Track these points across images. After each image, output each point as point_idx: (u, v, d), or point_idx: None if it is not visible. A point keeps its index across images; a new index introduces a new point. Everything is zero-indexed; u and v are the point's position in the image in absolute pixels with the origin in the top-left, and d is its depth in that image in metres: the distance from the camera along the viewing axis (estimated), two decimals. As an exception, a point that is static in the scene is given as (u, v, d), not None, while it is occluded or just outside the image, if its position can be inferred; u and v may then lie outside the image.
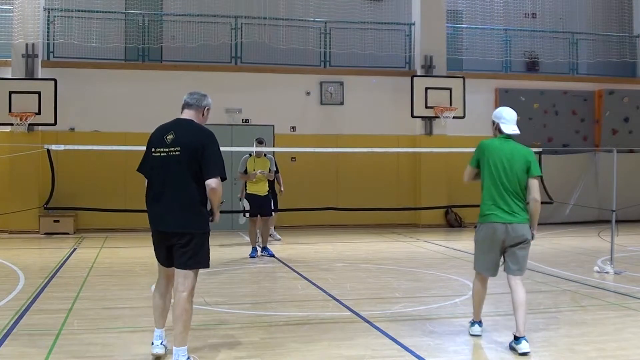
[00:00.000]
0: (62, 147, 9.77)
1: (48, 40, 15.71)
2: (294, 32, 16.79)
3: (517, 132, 5.78)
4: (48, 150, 9.61)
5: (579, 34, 18.55)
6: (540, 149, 11.40)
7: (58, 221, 14.82)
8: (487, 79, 17.59)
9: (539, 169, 5.71)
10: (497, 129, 5.84)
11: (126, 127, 15.36)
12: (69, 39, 15.50)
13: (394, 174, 17.01)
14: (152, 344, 5.22)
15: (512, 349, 5.46)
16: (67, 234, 14.72)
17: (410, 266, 10.28)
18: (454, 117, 16.14)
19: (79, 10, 15.72)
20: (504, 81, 17.91)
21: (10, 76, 14.91)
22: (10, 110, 14.25)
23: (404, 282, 8.83)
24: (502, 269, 5.74)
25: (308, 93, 16.79)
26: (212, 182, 4.88)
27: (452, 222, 16.87)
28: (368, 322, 6.43)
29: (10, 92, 14.33)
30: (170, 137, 4.98)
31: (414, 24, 17.23)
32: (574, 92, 18.19)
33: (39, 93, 14.46)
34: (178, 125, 5.07)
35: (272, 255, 11.19)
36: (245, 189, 11.37)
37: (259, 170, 11.07)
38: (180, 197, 4.92)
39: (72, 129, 15.50)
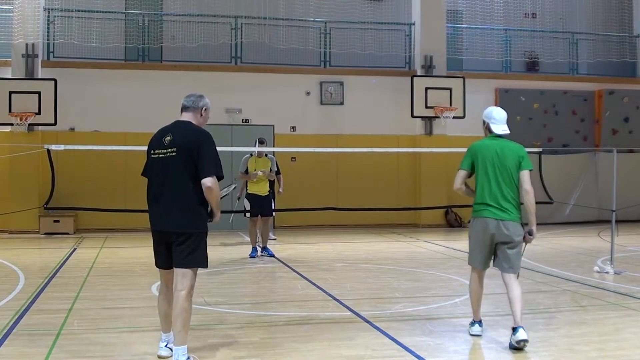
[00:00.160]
0: (62, 147, 9.78)
1: (48, 40, 15.71)
2: (294, 32, 16.79)
3: (507, 131, 5.84)
4: (48, 150, 9.61)
5: (579, 34, 18.55)
6: (540, 149, 11.42)
7: (58, 221, 14.83)
8: (487, 79, 17.59)
9: (530, 164, 5.79)
10: (487, 128, 5.92)
11: (126, 127, 15.37)
12: (69, 39, 15.50)
13: (394, 174, 17.01)
14: (159, 346, 5.28)
15: (513, 347, 5.47)
16: (67, 234, 14.72)
17: (410, 266, 10.28)
18: (454, 117, 16.14)
19: (79, 10, 15.72)
20: (504, 81, 17.91)
21: (10, 76, 14.91)
22: (10, 110, 14.25)
23: (404, 282, 8.83)
24: (492, 264, 5.80)
25: (308, 93, 16.79)
26: (207, 181, 4.90)
27: (452, 222, 16.87)
28: (368, 322, 6.43)
29: (10, 92, 14.33)
30: (168, 138, 5.05)
31: (414, 24, 17.23)
32: (574, 92, 18.19)
33: (39, 93, 14.46)
34: (176, 127, 5.14)
35: (272, 255, 11.19)
36: (246, 189, 11.36)
37: (260, 170, 11.06)
38: (179, 197, 4.96)
39: (72, 129, 15.50)
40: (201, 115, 5.21)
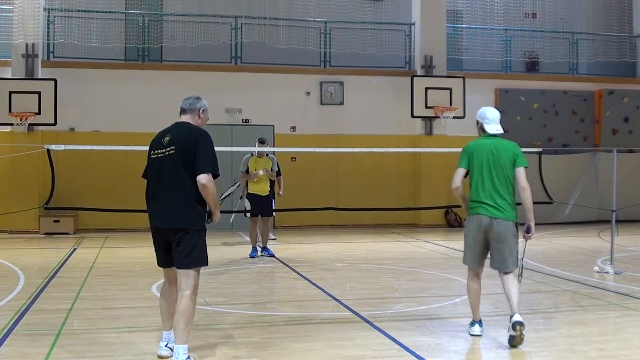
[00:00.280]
0: (62, 147, 9.78)
1: (48, 40, 15.71)
2: (294, 32, 16.79)
3: (501, 131, 5.91)
4: (48, 150, 9.62)
5: (579, 34, 18.55)
6: (540, 149, 11.43)
7: (58, 221, 14.82)
8: (487, 79, 17.59)
9: (526, 161, 5.83)
10: (481, 128, 5.99)
11: (126, 127, 15.37)
12: (69, 39, 15.50)
13: (394, 174, 17.01)
14: (159, 346, 5.30)
15: (511, 340, 5.49)
16: (67, 234, 14.72)
17: (410, 266, 10.28)
18: (454, 117, 16.14)
19: (79, 10, 15.72)
20: (504, 81, 17.92)
21: (10, 76, 14.91)
22: (10, 110, 14.24)
23: (404, 282, 8.83)
24: (489, 265, 5.84)
25: (308, 93, 16.79)
26: (201, 178, 4.92)
27: (452, 222, 16.87)
28: (368, 322, 6.43)
29: (10, 92, 14.32)
30: (167, 138, 5.13)
31: (414, 24, 17.23)
32: (574, 92, 18.19)
33: (39, 93, 14.45)
34: (175, 127, 5.22)
35: (272, 255, 11.19)
36: (247, 189, 11.36)
37: (260, 170, 11.05)
38: (176, 195, 5.01)
39: (72, 129, 15.50)
40: (199, 116, 5.27)
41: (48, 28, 15.65)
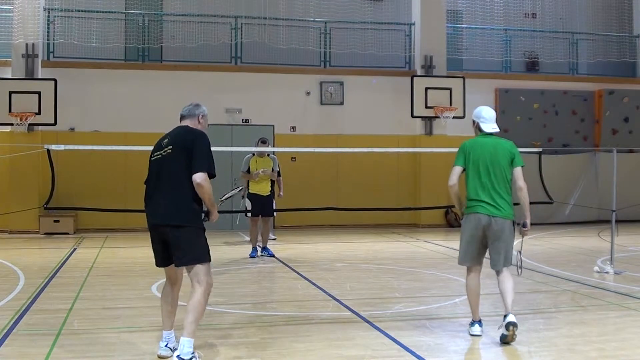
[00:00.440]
0: (62, 147, 9.78)
1: (48, 40, 15.71)
2: (294, 32, 16.79)
3: (497, 130, 5.98)
4: (48, 150, 9.61)
5: (579, 34, 18.55)
6: (540, 149, 11.42)
7: (58, 221, 14.82)
8: (487, 79, 17.58)
9: (522, 160, 5.90)
10: (477, 127, 6.04)
11: (126, 127, 15.37)
12: (69, 39, 15.50)
13: (394, 174, 17.01)
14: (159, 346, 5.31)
15: (503, 338, 5.56)
16: (67, 234, 14.72)
17: (410, 266, 10.29)
18: (454, 117, 16.13)
19: (79, 10, 15.72)
20: (504, 81, 17.91)
21: (10, 76, 14.91)
22: (10, 110, 14.24)
23: (404, 282, 8.83)
24: (489, 264, 5.88)
25: (308, 93, 16.79)
26: (197, 177, 4.96)
27: (452, 222, 16.86)
28: (368, 322, 6.43)
29: (10, 92, 14.32)
30: (166, 140, 5.24)
31: (414, 24, 17.23)
32: (574, 92, 18.19)
33: (39, 93, 14.45)
34: (174, 130, 5.33)
35: (272, 255, 11.19)
36: (248, 189, 11.36)
37: (261, 169, 11.05)
38: (173, 193, 5.06)
39: (72, 129, 15.50)
40: (199, 122, 5.36)
41: (48, 28, 15.65)
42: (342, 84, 16.89)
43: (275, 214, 12.25)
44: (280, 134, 16.41)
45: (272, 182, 11.45)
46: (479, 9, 17.96)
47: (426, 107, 16.19)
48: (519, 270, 5.94)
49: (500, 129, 6.14)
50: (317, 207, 14.43)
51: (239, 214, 13.67)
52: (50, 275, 9.15)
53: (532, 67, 18.53)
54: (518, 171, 5.83)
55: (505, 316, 5.61)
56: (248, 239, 13.43)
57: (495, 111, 6.13)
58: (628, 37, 18.82)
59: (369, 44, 16.98)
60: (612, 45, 18.59)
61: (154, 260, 5.32)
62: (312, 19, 16.89)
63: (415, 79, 16.34)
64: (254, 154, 11.23)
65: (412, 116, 16.28)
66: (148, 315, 6.62)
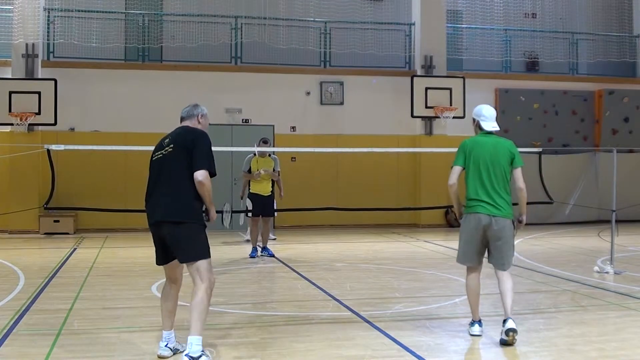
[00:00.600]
0: (62, 147, 9.78)
1: (48, 40, 15.71)
2: (294, 32, 16.79)
3: (497, 128, 5.99)
4: (48, 150, 9.61)
5: (579, 34, 18.55)
6: (540, 149, 11.42)
7: (58, 221, 14.82)
8: (487, 79, 17.58)
9: (522, 160, 5.92)
10: (477, 126, 6.05)
11: (126, 127, 15.37)
12: (69, 39, 15.49)
13: (394, 174, 17.01)
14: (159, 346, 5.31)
15: (503, 341, 5.57)
16: (67, 234, 14.72)
17: (410, 266, 10.29)
18: (454, 117, 16.13)
19: (79, 10, 15.72)
20: (504, 81, 17.91)
21: (10, 76, 14.91)
22: (10, 110, 14.24)
23: (404, 282, 8.83)
24: (488, 262, 5.91)
25: (308, 93, 16.79)
26: (198, 175, 4.99)
27: (452, 222, 16.86)
28: (368, 322, 6.43)
29: (10, 92, 14.32)
30: (167, 140, 5.27)
31: (414, 24, 17.23)
32: (574, 92, 18.19)
33: (39, 93, 14.45)
34: (175, 130, 5.36)
35: (272, 255, 11.19)
36: (249, 188, 11.36)
37: (262, 169, 11.05)
38: (174, 190, 5.08)
39: (72, 129, 15.50)
40: (199, 122, 5.39)
41: (48, 28, 15.64)
42: (342, 84, 16.89)
43: (276, 214, 12.25)
44: (280, 134, 16.41)
45: (273, 182, 11.45)
46: (479, 9, 17.96)
47: (426, 107, 16.19)
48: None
49: (500, 129, 6.15)
50: (317, 207, 14.42)
51: (241, 213, 13.68)
52: (50, 275, 9.15)
53: (532, 67, 18.53)
54: (518, 172, 5.86)
55: (504, 321, 5.62)
56: (246, 238, 13.47)
57: (495, 111, 6.15)
58: (628, 37, 18.83)
59: (369, 44, 16.98)
60: (612, 45, 18.59)
61: (154, 260, 5.33)
62: (312, 19, 16.89)
63: (415, 79, 16.34)
64: (255, 154, 11.23)
65: (412, 116, 16.29)
66: (148, 315, 6.62)
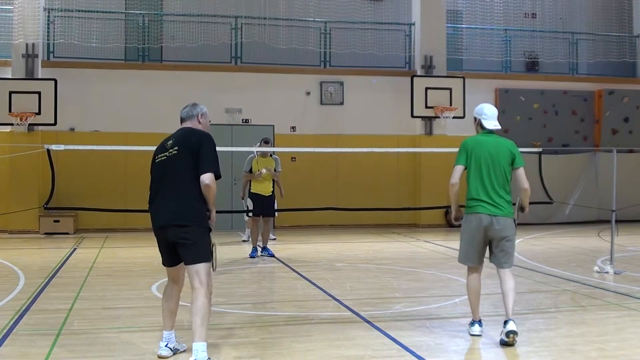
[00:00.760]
0: (62, 147, 9.76)
1: (48, 40, 15.71)
2: (294, 32, 16.79)
3: (498, 127, 5.98)
4: (48, 150, 9.60)
5: (579, 34, 18.55)
6: (540, 149, 11.42)
7: (58, 221, 14.82)
8: (487, 79, 17.58)
9: (523, 160, 5.92)
10: (479, 125, 6.04)
11: (126, 127, 15.37)
12: (69, 39, 15.49)
13: (394, 174, 17.00)
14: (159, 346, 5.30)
15: (503, 342, 5.57)
16: (67, 234, 14.72)
17: (410, 266, 10.29)
18: (454, 117, 16.14)
19: (79, 10, 15.72)
20: (504, 81, 17.92)
21: (10, 76, 14.91)
22: (10, 110, 14.24)
23: (404, 282, 8.83)
24: (490, 261, 5.91)
25: (308, 93, 16.79)
26: (205, 178, 4.97)
27: (452, 222, 16.82)
28: (368, 322, 6.44)
29: (10, 92, 14.32)
30: (170, 142, 5.22)
31: (414, 24, 17.23)
32: (574, 92, 18.19)
33: (39, 93, 14.45)
34: (177, 132, 5.31)
35: (272, 256, 11.19)
36: (250, 188, 11.35)
37: (264, 169, 11.05)
38: (178, 193, 5.05)
39: (72, 129, 15.50)
40: (199, 122, 5.34)
41: (48, 28, 15.64)
42: (342, 84, 16.89)
43: (276, 214, 12.25)
44: (280, 134, 16.40)
45: (274, 183, 11.45)
46: (479, 9, 17.96)
47: (426, 107, 16.20)
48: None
49: (500, 128, 6.13)
50: (317, 207, 14.42)
51: (247, 215, 13.69)
52: (50, 275, 9.15)
53: (532, 67, 18.53)
54: (521, 171, 5.85)
55: (505, 322, 5.61)
56: (244, 238, 13.48)
57: (497, 110, 6.12)
58: (628, 37, 18.83)
59: (369, 44, 16.98)
60: (612, 45, 18.59)
61: (154, 260, 5.35)
62: (312, 19, 16.89)
63: (415, 79, 16.34)
64: (256, 154, 11.21)
65: (412, 116, 16.29)
66: (148, 315, 6.62)
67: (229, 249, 12.47)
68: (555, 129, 18.00)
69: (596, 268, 9.68)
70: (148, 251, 11.25)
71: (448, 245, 12.99)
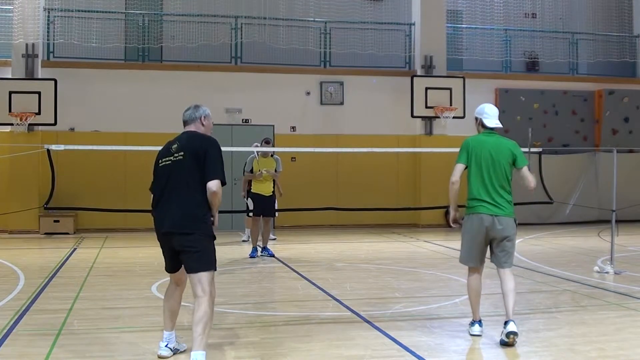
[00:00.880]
0: (62, 147, 9.78)
1: (48, 40, 15.70)
2: (294, 32, 16.79)
3: (500, 125, 5.99)
4: (48, 150, 9.61)
5: (579, 34, 18.55)
6: (540, 149, 11.43)
7: (58, 221, 14.82)
8: (487, 79, 17.58)
9: (525, 159, 5.94)
10: (480, 124, 6.05)
11: (126, 127, 15.36)
12: (69, 39, 15.49)
13: (394, 174, 17.00)
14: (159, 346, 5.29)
15: (503, 342, 5.58)
16: (67, 234, 14.72)
17: (410, 266, 10.29)
18: (454, 117, 16.14)
19: (79, 10, 15.71)
20: (504, 81, 17.91)
21: (10, 76, 14.91)
22: (10, 110, 14.24)
23: (404, 282, 8.83)
24: (490, 261, 5.91)
25: (308, 93, 16.78)
26: (212, 185, 4.93)
27: (451, 224, 16.83)
28: (368, 322, 6.44)
29: (10, 92, 14.32)
30: (175, 146, 5.14)
31: (414, 24, 17.23)
32: (574, 92, 18.19)
33: (39, 93, 14.45)
34: (183, 136, 5.24)
35: (272, 256, 11.19)
36: (250, 189, 11.35)
37: (264, 169, 11.05)
38: (184, 199, 4.99)
39: (72, 129, 15.49)
40: (202, 124, 5.28)
41: (48, 28, 15.64)
42: (342, 84, 16.88)
43: (277, 214, 12.25)
44: (280, 134, 16.40)
45: (275, 183, 11.46)
46: (479, 9, 17.96)
47: (426, 107, 16.20)
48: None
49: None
50: (317, 207, 14.41)
51: (248, 215, 13.69)
52: (50, 275, 9.16)
53: (532, 67, 18.53)
54: (525, 170, 5.87)
55: (506, 323, 5.61)
56: (243, 238, 13.48)
57: (498, 109, 6.11)
58: (628, 37, 18.82)
59: (369, 44, 16.99)
60: (612, 45, 18.59)
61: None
62: (312, 19, 16.89)
63: (415, 79, 16.34)
64: (257, 155, 11.21)
65: (412, 116, 16.29)
66: (148, 315, 6.62)
67: (229, 249, 12.47)
68: (555, 129, 18.00)
69: (596, 268, 9.68)
70: (148, 251, 11.25)
71: (448, 245, 12.99)
